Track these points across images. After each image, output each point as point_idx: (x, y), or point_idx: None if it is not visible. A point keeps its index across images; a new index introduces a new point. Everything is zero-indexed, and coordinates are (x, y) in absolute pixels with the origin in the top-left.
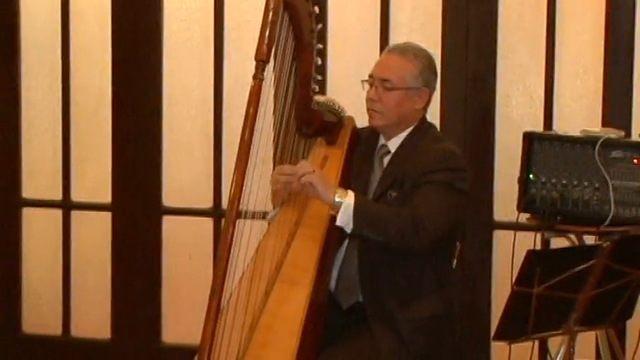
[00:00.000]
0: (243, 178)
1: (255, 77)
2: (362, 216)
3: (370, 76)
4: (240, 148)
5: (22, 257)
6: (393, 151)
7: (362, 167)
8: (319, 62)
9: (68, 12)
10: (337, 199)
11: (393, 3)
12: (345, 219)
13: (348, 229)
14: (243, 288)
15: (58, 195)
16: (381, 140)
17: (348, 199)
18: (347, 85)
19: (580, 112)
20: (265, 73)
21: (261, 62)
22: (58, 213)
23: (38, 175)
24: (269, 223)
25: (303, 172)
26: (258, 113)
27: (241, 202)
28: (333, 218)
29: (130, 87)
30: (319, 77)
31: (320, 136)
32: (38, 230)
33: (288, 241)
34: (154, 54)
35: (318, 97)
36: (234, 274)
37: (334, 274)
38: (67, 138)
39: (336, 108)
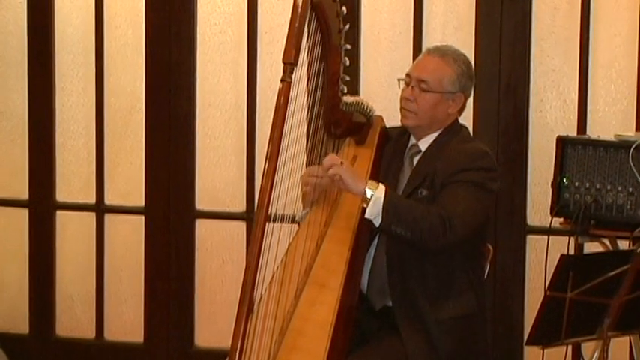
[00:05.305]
0: (273, 180)
1: (283, 80)
2: (391, 210)
3: (407, 75)
4: (269, 150)
5: (56, 260)
6: (423, 150)
7: (392, 166)
8: (347, 63)
9: (102, 16)
10: (368, 191)
11: (426, 7)
12: (374, 212)
13: (377, 222)
14: (273, 291)
15: (91, 198)
16: (412, 140)
17: (378, 192)
18: (380, 90)
19: (614, 117)
20: (294, 76)
21: (289, 65)
22: (91, 216)
23: (72, 179)
24: (299, 224)
25: (331, 164)
26: (287, 115)
27: (271, 204)
28: (363, 217)
29: (164, 91)
30: (347, 78)
31: (349, 137)
32: (72, 233)
33: (318, 243)
34: (188, 58)
35: (347, 98)
36: (264, 278)
37: (365, 275)
38: (101, 141)
39: (365, 108)
